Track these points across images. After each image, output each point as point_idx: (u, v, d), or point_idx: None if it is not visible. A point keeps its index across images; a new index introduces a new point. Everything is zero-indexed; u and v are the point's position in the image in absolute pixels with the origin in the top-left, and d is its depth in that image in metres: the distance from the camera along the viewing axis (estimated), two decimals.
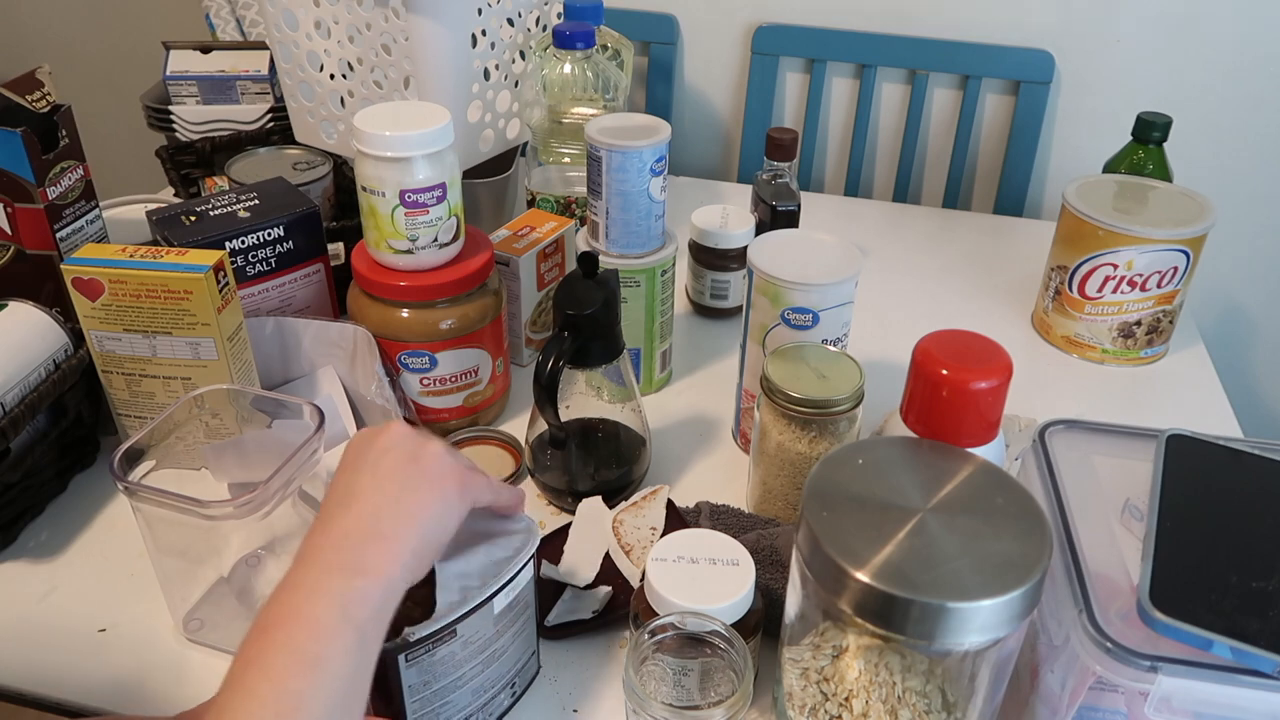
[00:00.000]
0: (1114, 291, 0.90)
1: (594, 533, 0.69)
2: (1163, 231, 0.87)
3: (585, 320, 0.66)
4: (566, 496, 0.72)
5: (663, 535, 0.67)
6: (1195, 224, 0.87)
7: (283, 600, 0.44)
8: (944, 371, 0.55)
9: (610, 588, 0.65)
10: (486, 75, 0.94)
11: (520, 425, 0.81)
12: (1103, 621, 0.47)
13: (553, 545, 0.69)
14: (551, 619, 0.64)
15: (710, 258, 0.97)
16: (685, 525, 0.69)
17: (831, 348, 0.70)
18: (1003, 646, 0.48)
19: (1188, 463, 0.54)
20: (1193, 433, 0.56)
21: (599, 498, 0.71)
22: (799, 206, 0.97)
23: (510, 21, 0.95)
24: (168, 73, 1.08)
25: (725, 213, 0.98)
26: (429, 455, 0.50)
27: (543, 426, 0.70)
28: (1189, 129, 1.22)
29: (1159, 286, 0.89)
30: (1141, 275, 0.89)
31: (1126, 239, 0.87)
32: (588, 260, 0.67)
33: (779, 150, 0.97)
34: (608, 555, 0.68)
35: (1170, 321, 0.93)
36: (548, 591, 0.66)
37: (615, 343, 0.70)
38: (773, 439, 0.68)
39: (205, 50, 1.11)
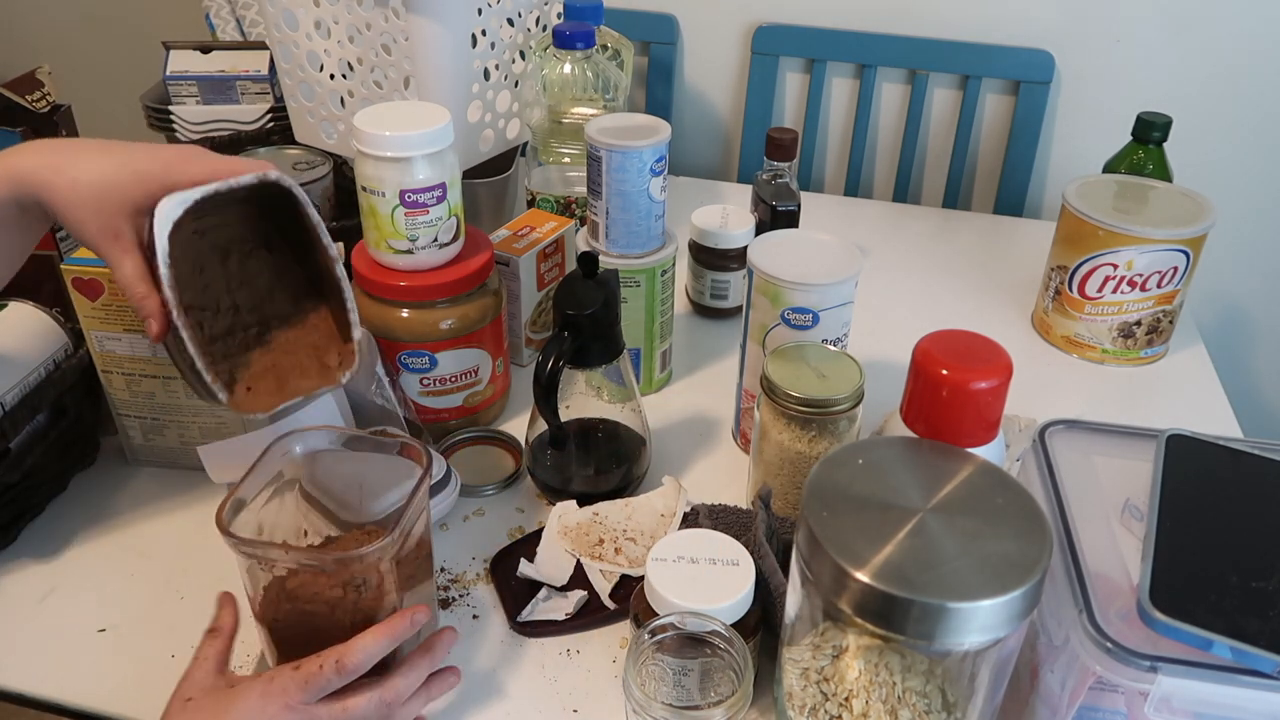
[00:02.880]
0: (1114, 291, 0.90)
1: (567, 536, 0.69)
2: (1163, 231, 0.86)
3: (585, 320, 0.66)
4: (566, 497, 0.72)
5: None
6: (1195, 224, 0.87)
7: None
8: (944, 371, 0.55)
9: (585, 592, 0.66)
10: (486, 75, 0.94)
11: (520, 425, 0.81)
12: (1103, 621, 0.47)
13: (529, 544, 0.70)
14: (524, 615, 0.65)
15: (710, 258, 0.97)
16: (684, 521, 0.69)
17: (831, 348, 0.70)
18: (1003, 646, 0.48)
19: (1188, 463, 0.54)
20: (1193, 433, 0.56)
21: (573, 501, 0.71)
22: (799, 206, 0.97)
23: (510, 21, 0.95)
24: (168, 73, 1.07)
25: (725, 213, 0.98)
26: None
27: (543, 426, 0.70)
28: (1189, 129, 1.21)
29: (1159, 286, 0.89)
30: (1141, 275, 0.89)
31: (1126, 239, 0.87)
32: (588, 260, 0.67)
33: (779, 150, 0.97)
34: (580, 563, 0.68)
35: (1170, 321, 0.93)
36: (523, 588, 0.67)
37: (615, 343, 0.70)
38: (773, 439, 0.68)
39: (205, 50, 1.10)
